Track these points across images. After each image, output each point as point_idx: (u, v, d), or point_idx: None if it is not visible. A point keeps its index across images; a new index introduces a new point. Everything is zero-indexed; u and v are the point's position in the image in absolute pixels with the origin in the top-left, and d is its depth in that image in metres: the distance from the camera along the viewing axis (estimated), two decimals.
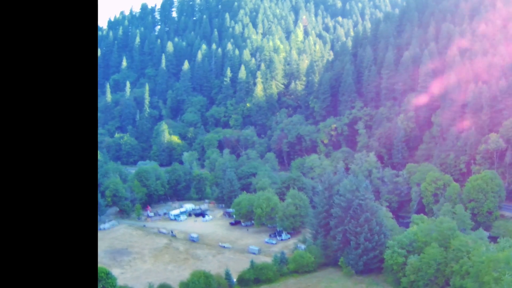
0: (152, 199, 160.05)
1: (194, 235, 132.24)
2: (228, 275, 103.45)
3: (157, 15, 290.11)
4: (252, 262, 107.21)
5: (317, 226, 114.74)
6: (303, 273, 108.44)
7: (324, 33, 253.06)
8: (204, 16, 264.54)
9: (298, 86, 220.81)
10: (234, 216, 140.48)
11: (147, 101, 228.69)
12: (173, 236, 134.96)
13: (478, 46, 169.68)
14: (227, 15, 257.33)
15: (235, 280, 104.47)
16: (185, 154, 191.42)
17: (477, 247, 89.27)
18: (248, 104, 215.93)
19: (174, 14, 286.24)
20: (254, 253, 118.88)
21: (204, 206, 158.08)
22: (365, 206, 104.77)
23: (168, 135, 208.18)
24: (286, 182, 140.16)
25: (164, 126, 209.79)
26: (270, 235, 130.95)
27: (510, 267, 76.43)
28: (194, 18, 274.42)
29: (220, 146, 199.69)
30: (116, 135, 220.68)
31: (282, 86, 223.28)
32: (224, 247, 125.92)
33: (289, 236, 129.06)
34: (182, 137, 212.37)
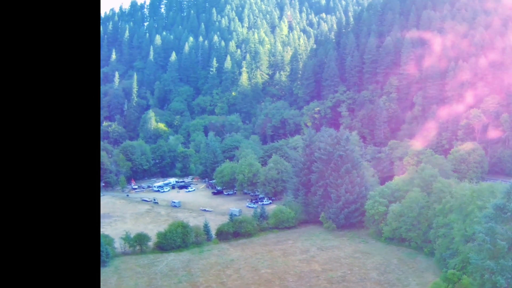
0: (137, 174, 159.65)
1: (176, 201, 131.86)
2: (206, 227, 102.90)
3: (146, 12, 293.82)
4: (231, 215, 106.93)
5: (298, 184, 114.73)
6: (284, 229, 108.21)
7: (308, 29, 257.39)
8: (192, 11, 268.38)
9: (283, 76, 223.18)
10: (217, 185, 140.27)
11: (135, 91, 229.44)
12: (155, 203, 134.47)
13: (459, 28, 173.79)
14: (214, 10, 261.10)
15: (214, 235, 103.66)
16: (171, 138, 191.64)
17: (460, 186, 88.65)
18: (233, 93, 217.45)
19: (163, 11, 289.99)
20: (235, 215, 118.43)
21: (187, 180, 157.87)
22: (346, 157, 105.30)
23: (155, 122, 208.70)
24: (269, 151, 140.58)
25: (151, 114, 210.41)
26: (251, 201, 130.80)
27: (494, 196, 73.27)
28: (183, 14, 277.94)
29: (206, 132, 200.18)
30: (104, 123, 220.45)
31: (267, 76, 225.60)
32: (205, 210, 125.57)
33: (270, 201, 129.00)
34: (169, 124, 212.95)
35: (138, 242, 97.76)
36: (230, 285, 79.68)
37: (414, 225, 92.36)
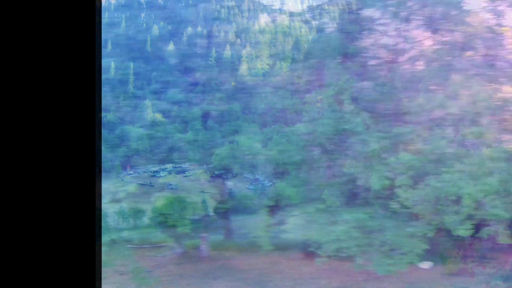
0: (132, 160, 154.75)
1: (173, 183, 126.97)
2: (204, 203, 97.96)
3: (142, 2, 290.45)
4: (230, 193, 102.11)
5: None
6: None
7: (310, 20, 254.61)
8: (190, 1, 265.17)
9: (284, 66, 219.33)
10: (215, 169, 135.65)
11: (131, 81, 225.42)
12: (151, 186, 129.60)
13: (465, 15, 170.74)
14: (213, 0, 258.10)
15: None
16: (168, 127, 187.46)
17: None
18: (233, 83, 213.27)
19: (160, 1, 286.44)
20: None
21: (185, 165, 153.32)
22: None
23: (151, 113, 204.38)
24: (270, 134, 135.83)
25: (147, 104, 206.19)
26: (251, 183, 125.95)
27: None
28: (181, 5, 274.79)
29: (204, 122, 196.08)
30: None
31: (267, 66, 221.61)
32: (203, 192, 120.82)
33: (271, 184, 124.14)
34: (166, 115, 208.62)
35: (132, 216, 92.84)
36: None
37: None
